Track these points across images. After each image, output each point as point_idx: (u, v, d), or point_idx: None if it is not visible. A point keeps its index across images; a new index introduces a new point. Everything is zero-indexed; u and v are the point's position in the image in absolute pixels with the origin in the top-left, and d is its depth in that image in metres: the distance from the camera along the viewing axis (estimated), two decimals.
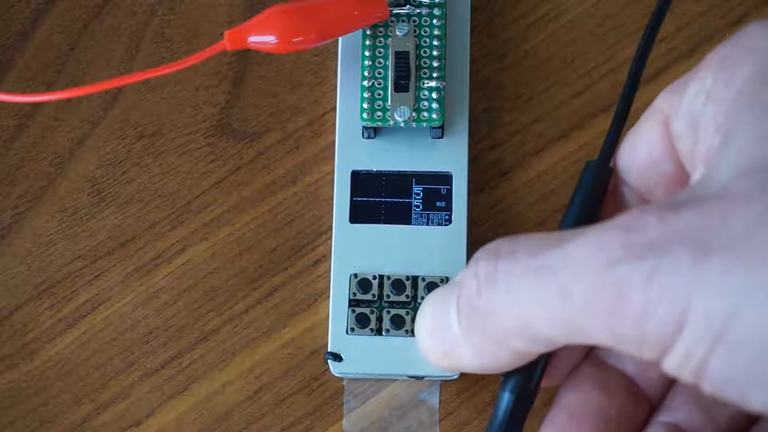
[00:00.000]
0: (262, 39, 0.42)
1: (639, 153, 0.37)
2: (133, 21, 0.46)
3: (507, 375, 0.37)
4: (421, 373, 0.42)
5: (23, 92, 0.45)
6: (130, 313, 0.44)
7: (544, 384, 0.37)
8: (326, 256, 0.44)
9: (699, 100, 0.33)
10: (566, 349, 0.36)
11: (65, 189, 0.45)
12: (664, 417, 0.37)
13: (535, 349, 0.35)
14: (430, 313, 0.38)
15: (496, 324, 0.34)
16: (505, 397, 0.37)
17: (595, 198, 0.38)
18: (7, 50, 0.46)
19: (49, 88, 0.46)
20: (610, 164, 0.38)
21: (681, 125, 0.35)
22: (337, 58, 0.45)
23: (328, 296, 0.42)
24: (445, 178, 0.43)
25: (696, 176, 0.34)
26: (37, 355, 0.44)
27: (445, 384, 0.43)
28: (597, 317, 0.31)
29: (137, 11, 0.46)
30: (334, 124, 0.44)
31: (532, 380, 0.37)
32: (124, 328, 0.44)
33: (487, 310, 0.34)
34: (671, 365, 0.31)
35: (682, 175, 0.36)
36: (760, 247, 0.29)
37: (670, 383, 0.37)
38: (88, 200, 0.45)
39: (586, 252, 0.32)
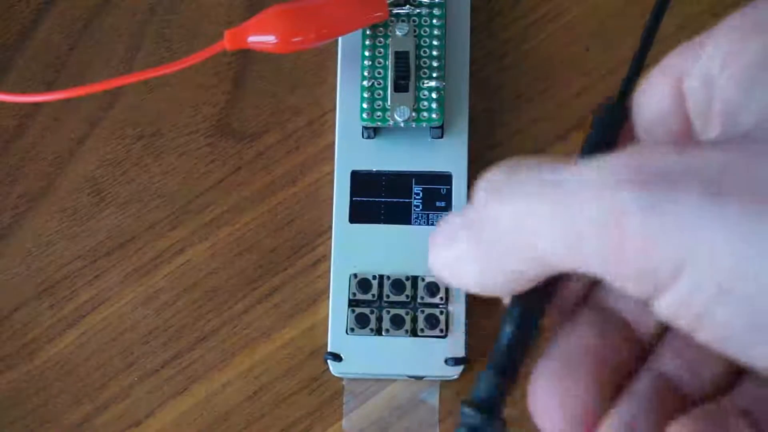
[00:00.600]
0: (262, 39, 0.42)
1: (648, 107, 0.37)
2: (133, 21, 0.46)
3: (512, 305, 0.36)
4: (421, 373, 0.42)
5: (23, 92, 0.45)
6: (129, 313, 0.44)
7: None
8: (326, 256, 0.44)
9: (716, 61, 0.33)
10: (566, 288, 0.36)
11: (65, 189, 0.45)
12: (653, 366, 0.37)
13: (535, 273, 0.34)
14: (442, 228, 0.37)
15: (503, 240, 0.34)
16: (507, 330, 0.36)
17: (610, 139, 0.37)
18: (7, 50, 0.46)
19: (49, 88, 0.46)
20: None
21: (696, 83, 0.34)
22: (337, 58, 0.45)
23: (328, 296, 0.42)
24: (445, 178, 0.43)
25: (714, 130, 0.33)
26: (37, 355, 0.44)
27: (445, 384, 0.43)
28: (598, 243, 0.31)
29: (137, 11, 0.46)
30: (334, 124, 0.44)
31: (533, 315, 0.36)
32: (124, 328, 0.44)
33: (491, 223, 0.34)
34: (666, 307, 0.30)
35: (688, 133, 0.36)
36: None
37: (662, 332, 0.37)
38: (88, 200, 0.45)
39: (593, 174, 0.31)
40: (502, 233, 0.34)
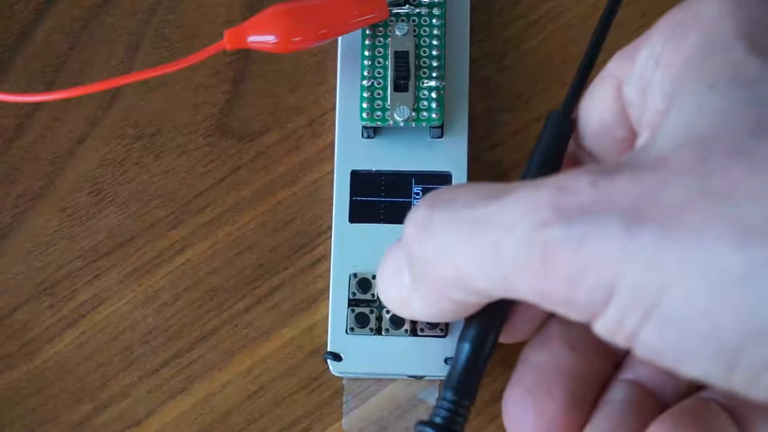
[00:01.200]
0: (262, 39, 0.42)
1: (592, 117, 0.37)
2: (133, 21, 0.46)
3: (466, 326, 0.37)
4: (421, 373, 0.42)
5: (23, 92, 0.45)
6: (129, 313, 0.44)
7: (511, 340, 0.37)
8: (326, 256, 0.44)
9: (648, 65, 0.33)
10: (531, 306, 0.36)
11: (65, 189, 0.45)
12: (627, 374, 0.37)
13: (475, 300, 0.34)
14: (386, 262, 0.37)
15: (434, 274, 0.34)
16: (464, 348, 0.37)
17: (556, 151, 0.37)
18: (7, 50, 0.46)
19: (49, 87, 0.46)
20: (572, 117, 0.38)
21: (632, 90, 0.34)
22: (336, 58, 0.45)
23: (328, 296, 0.42)
24: (445, 178, 0.43)
25: (639, 142, 0.34)
26: (37, 354, 0.44)
27: None
28: (526, 276, 0.31)
29: (137, 11, 0.46)
30: (334, 124, 0.44)
31: (489, 332, 0.36)
32: (124, 328, 0.44)
33: (425, 260, 0.34)
34: (602, 330, 0.31)
35: (634, 141, 0.36)
36: (693, 221, 0.29)
37: None
38: (88, 200, 0.45)
39: (519, 208, 0.31)
40: (434, 268, 0.34)
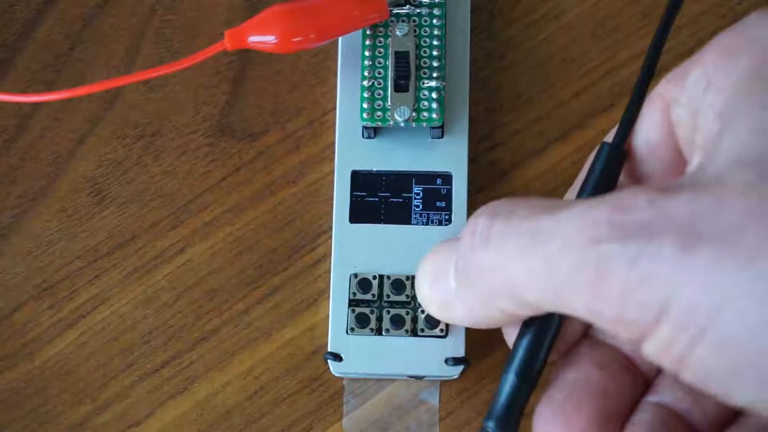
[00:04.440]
0: (262, 39, 0.42)
1: (639, 138, 0.37)
2: (133, 21, 0.46)
3: (512, 355, 0.37)
4: (421, 373, 0.42)
5: (23, 92, 0.45)
6: (129, 313, 0.44)
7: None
8: (326, 256, 0.44)
9: (699, 86, 0.33)
10: (564, 327, 0.36)
11: (65, 189, 0.45)
12: (655, 397, 0.37)
13: (523, 312, 0.34)
14: (431, 264, 0.37)
15: (486, 284, 0.34)
16: (510, 379, 0.36)
17: (608, 179, 0.37)
18: (7, 50, 0.46)
19: (49, 87, 0.46)
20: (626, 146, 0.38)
21: (681, 112, 0.35)
22: (337, 58, 0.45)
23: (328, 296, 0.42)
24: (445, 178, 0.43)
25: (693, 164, 0.34)
26: (37, 355, 0.44)
27: (445, 384, 0.43)
28: (579, 291, 0.31)
29: (137, 11, 0.46)
30: (334, 124, 0.44)
31: (536, 362, 0.36)
32: (124, 328, 0.44)
33: (479, 269, 0.34)
34: (651, 350, 0.31)
35: (680, 163, 0.36)
36: (751, 242, 0.29)
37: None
38: (88, 200, 0.45)
39: (575, 224, 0.31)
40: (488, 278, 0.34)
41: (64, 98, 0.44)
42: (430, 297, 0.37)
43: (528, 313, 0.34)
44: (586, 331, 0.38)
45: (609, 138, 0.37)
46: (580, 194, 0.38)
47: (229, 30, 0.42)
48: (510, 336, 0.37)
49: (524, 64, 0.46)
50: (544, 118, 0.45)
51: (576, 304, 0.32)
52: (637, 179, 0.37)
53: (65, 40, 0.46)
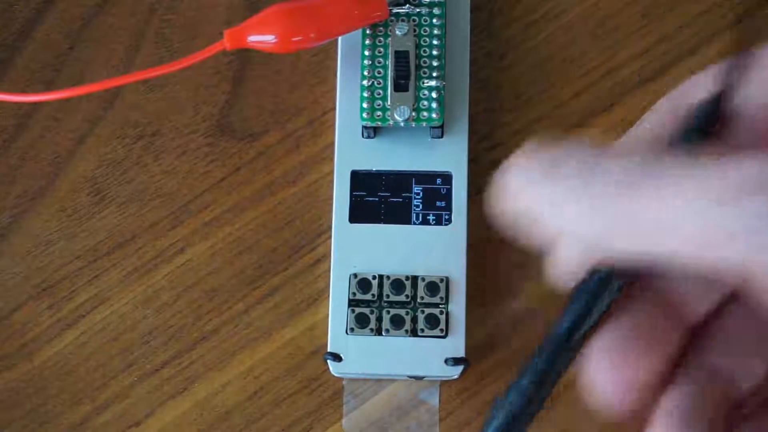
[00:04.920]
0: (262, 38, 0.42)
1: (749, 101, 0.36)
2: (133, 21, 0.46)
3: (521, 375, 0.35)
4: (421, 373, 0.42)
5: (23, 92, 0.45)
6: (129, 313, 0.44)
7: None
8: (326, 256, 0.44)
9: None
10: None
11: (65, 189, 0.45)
12: (703, 357, 0.36)
13: (611, 263, 0.33)
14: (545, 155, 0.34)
15: (629, 221, 0.32)
16: (516, 401, 0.35)
17: (707, 130, 0.36)
18: (7, 50, 0.46)
19: (49, 87, 0.46)
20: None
21: None
22: (337, 58, 0.45)
23: (328, 296, 0.42)
24: (445, 178, 0.43)
25: None
26: (37, 355, 0.44)
27: (445, 384, 0.42)
28: (742, 245, 0.30)
29: (137, 11, 0.46)
30: (334, 124, 0.44)
31: (546, 388, 0.36)
32: (124, 328, 0.44)
33: (628, 202, 0.32)
34: None
35: None
36: None
37: (711, 323, 0.37)
38: (88, 200, 0.45)
39: (744, 172, 0.30)
40: (635, 219, 0.32)
41: (64, 98, 0.44)
42: (530, 191, 0.33)
43: (620, 266, 0.33)
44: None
45: None
46: (679, 140, 0.36)
47: (228, 29, 0.42)
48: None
49: (524, 63, 0.46)
50: (544, 118, 0.45)
51: (730, 260, 0.30)
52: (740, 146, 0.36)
53: (65, 39, 0.46)
